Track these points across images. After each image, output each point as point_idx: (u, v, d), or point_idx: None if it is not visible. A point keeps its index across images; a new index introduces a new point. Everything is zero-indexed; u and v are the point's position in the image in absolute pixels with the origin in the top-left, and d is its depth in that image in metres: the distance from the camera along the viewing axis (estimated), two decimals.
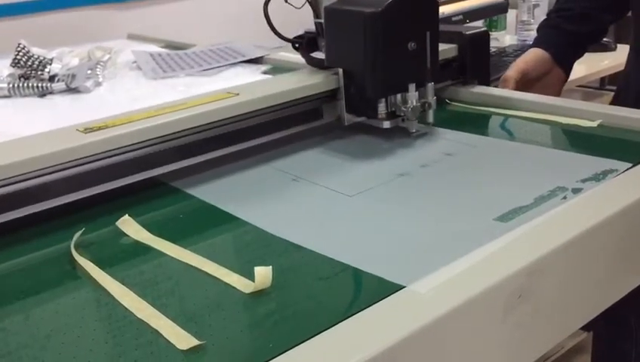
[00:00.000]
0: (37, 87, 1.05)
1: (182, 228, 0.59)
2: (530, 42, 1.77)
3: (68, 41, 1.46)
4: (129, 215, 0.58)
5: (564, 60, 1.03)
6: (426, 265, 0.47)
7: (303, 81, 0.78)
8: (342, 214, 0.58)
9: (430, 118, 0.76)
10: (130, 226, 0.57)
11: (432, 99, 0.75)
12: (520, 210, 0.55)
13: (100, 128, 0.64)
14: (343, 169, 0.69)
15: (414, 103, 0.73)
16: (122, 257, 0.54)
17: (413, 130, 0.76)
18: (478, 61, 0.90)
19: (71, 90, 1.05)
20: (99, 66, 1.10)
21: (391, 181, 0.64)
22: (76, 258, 0.53)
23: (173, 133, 0.67)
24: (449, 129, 0.78)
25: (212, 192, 0.66)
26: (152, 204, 0.64)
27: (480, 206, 0.57)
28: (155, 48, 1.32)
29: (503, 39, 1.84)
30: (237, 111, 0.71)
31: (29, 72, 1.10)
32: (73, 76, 1.07)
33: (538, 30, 1.08)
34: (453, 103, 0.88)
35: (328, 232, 0.55)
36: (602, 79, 1.90)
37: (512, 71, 1.01)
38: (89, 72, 1.08)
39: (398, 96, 0.74)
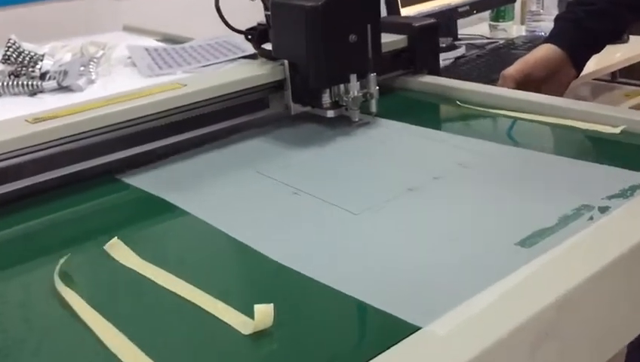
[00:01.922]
0: (27, 85, 1.00)
1: (173, 250, 0.55)
2: (539, 33, 1.73)
3: (62, 32, 1.41)
4: (118, 237, 0.54)
5: (579, 58, 0.98)
6: (442, 301, 0.43)
7: (249, 72, 0.81)
8: (346, 236, 0.54)
9: (373, 107, 0.79)
10: (118, 251, 0.52)
11: (374, 89, 0.78)
12: (544, 232, 0.51)
13: (48, 118, 0.66)
14: (337, 174, 0.65)
15: (355, 93, 0.76)
16: (109, 288, 0.50)
17: (356, 119, 0.78)
18: (428, 51, 0.94)
19: (62, 88, 1.00)
20: (92, 63, 1.05)
21: (400, 195, 0.60)
22: (60, 290, 0.48)
23: (121, 122, 0.70)
24: (392, 120, 0.79)
25: (204, 206, 0.61)
26: (141, 222, 0.60)
27: (499, 227, 0.53)
28: (151, 42, 1.28)
29: (510, 30, 1.79)
30: (184, 101, 0.74)
31: (19, 69, 1.05)
32: (65, 73, 1.02)
33: (555, 21, 1.03)
34: (464, 106, 0.83)
35: (329, 255, 0.51)
36: (614, 72, 1.84)
37: (514, 70, 0.96)
38: (82, 68, 1.03)
39: (342, 86, 0.77)
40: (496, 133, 0.77)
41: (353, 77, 0.76)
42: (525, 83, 0.94)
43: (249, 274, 0.51)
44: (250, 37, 0.86)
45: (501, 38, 1.72)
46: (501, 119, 0.78)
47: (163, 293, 0.47)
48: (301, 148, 0.74)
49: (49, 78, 1.02)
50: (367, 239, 0.53)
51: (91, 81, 1.02)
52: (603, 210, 0.54)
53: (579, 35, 0.96)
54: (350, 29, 0.74)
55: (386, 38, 0.89)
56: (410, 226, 0.54)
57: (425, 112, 0.87)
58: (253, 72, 0.80)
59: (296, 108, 0.82)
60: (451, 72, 1.38)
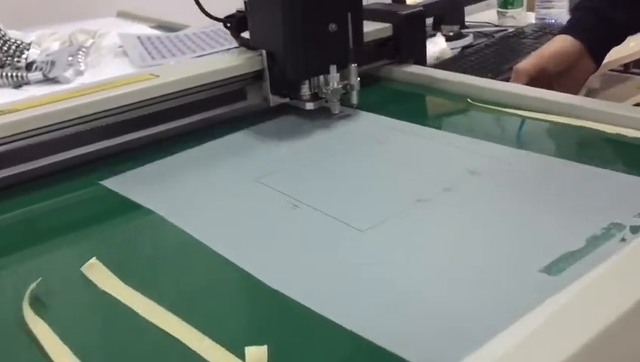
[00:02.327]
0: (12, 76, 0.95)
1: (155, 271, 0.49)
2: (550, 20, 1.67)
3: (53, 18, 1.35)
4: (97, 258, 0.48)
5: (598, 50, 0.92)
6: (459, 343, 0.38)
7: (226, 62, 0.76)
8: (351, 259, 0.49)
9: (354, 99, 0.75)
10: (97, 273, 0.47)
11: (354, 80, 0.74)
12: (571, 256, 0.45)
13: (9, 111, 0.62)
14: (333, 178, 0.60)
15: (335, 85, 0.73)
16: (84, 319, 0.44)
17: (336, 112, 0.75)
18: (414, 40, 0.91)
19: (49, 80, 0.95)
20: (81, 52, 1.00)
21: (410, 208, 0.54)
22: (28, 321, 0.43)
23: (88, 115, 0.65)
24: (375, 113, 0.75)
25: (187, 215, 0.56)
26: (117, 232, 0.55)
27: (520, 250, 0.47)
28: (144, 29, 1.22)
29: (519, 17, 1.72)
30: (155, 93, 0.69)
31: (4, 59, 0.99)
32: (52, 63, 0.97)
33: (573, 11, 0.96)
34: (475, 103, 0.77)
35: (331, 283, 0.46)
36: (627, 62, 1.77)
37: (529, 64, 0.89)
38: (70, 58, 0.98)
39: (322, 77, 0.74)
40: (504, 133, 0.71)
41: (333, 68, 0.72)
42: (539, 78, 0.88)
43: (242, 303, 0.46)
44: (228, 25, 0.82)
45: (510, 26, 1.65)
46: (499, 118, 0.73)
47: (142, 325, 0.42)
48: (283, 143, 0.70)
49: (35, 69, 0.97)
50: (373, 264, 0.47)
51: (79, 73, 0.97)
52: (635, 229, 0.48)
53: (598, 25, 0.90)
54: (330, 18, 0.71)
55: (371, 27, 0.86)
56: (419, 252, 0.49)
57: (408, 104, 0.83)
58: (230, 63, 0.76)
59: (274, 100, 0.78)
60: (459, 63, 1.31)
